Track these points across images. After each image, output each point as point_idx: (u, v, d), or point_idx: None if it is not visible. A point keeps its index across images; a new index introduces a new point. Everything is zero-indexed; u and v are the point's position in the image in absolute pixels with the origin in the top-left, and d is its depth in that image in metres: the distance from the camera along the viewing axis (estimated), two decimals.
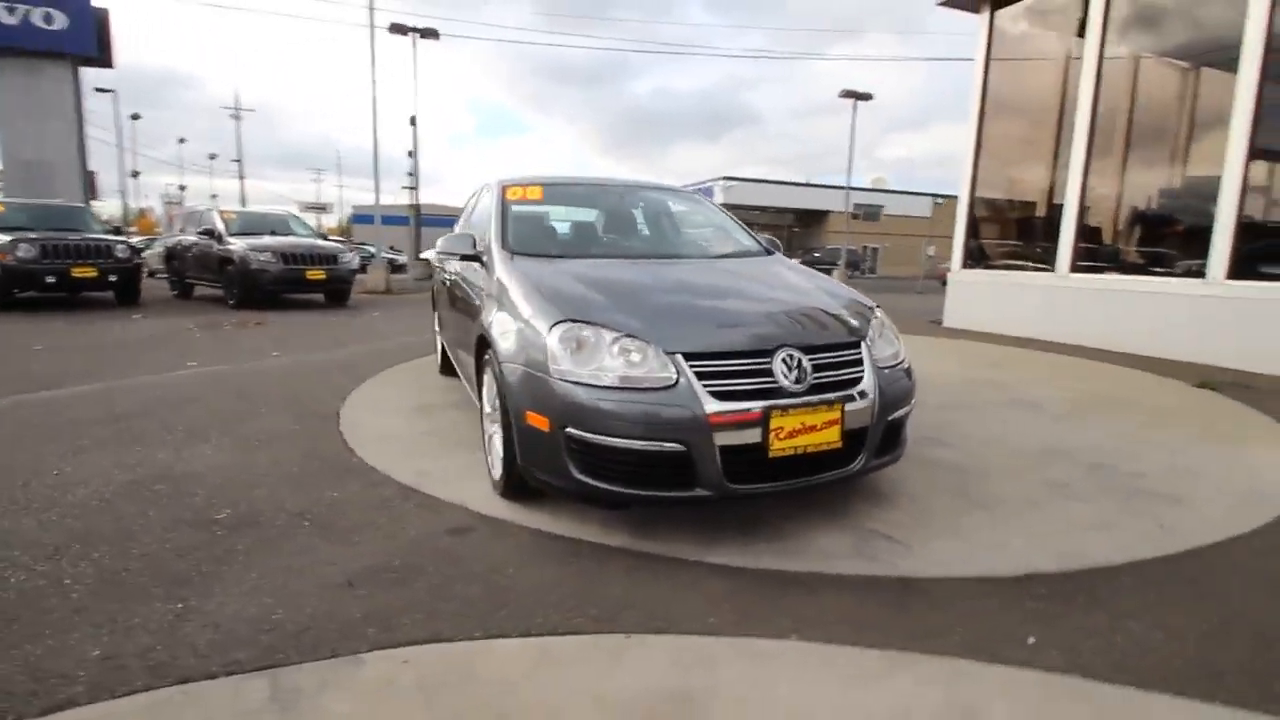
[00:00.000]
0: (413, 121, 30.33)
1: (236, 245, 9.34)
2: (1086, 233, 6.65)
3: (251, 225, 10.27)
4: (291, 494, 2.62)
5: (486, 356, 2.65)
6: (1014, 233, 7.74)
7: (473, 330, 2.91)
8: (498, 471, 2.56)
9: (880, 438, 2.32)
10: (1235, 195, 5.25)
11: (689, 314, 2.35)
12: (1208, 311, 5.43)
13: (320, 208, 49.07)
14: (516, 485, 2.44)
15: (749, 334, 2.23)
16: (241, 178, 43.77)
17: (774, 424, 2.04)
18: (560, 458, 2.10)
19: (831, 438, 2.15)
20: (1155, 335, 5.77)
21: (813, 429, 2.11)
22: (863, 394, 2.25)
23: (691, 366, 2.06)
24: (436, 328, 4.94)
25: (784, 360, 2.15)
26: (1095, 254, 6.62)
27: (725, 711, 1.42)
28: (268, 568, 2.03)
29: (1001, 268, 7.68)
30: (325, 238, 11.03)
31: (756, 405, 2.05)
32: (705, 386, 2.04)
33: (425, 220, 21.76)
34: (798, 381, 2.13)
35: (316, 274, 9.52)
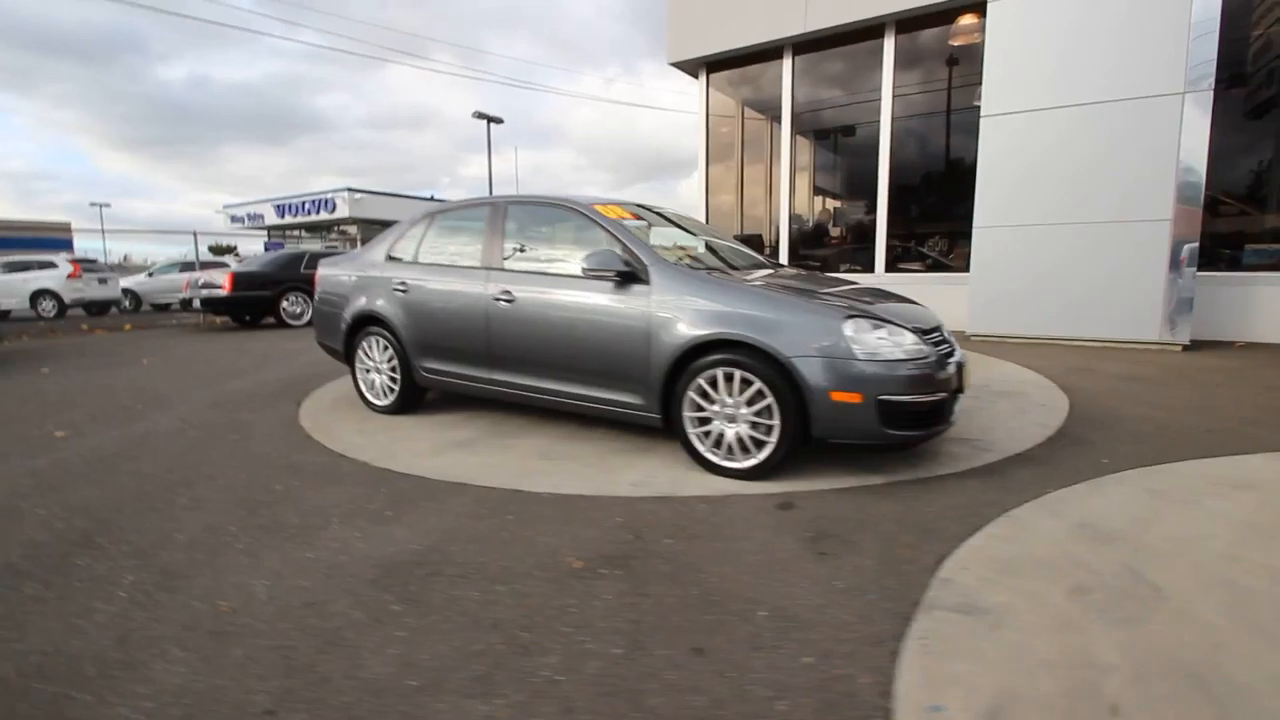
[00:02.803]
0: None
1: None
2: (799, 246, 9.33)
3: None
4: (578, 531, 2.43)
5: (699, 362, 2.93)
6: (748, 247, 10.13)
7: (656, 342, 3.04)
8: (749, 460, 2.88)
9: None
10: (885, 222, 8.35)
11: (880, 304, 3.14)
12: None
13: None
14: (777, 463, 2.85)
15: (926, 315, 3.18)
16: None
17: (965, 371, 3.06)
18: (872, 420, 2.69)
19: (969, 378, 3.28)
20: None
21: (964, 373, 3.20)
22: None
23: (926, 340, 2.91)
24: (382, 364, 4.22)
25: (942, 330, 3.18)
26: (805, 259, 9.36)
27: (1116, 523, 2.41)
28: (740, 570, 2.10)
29: None
30: None
31: (954, 361, 3.03)
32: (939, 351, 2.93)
33: None
34: (953, 344, 3.19)
35: None
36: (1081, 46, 6.20)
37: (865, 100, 8.29)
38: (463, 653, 1.68)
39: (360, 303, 4.27)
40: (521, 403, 3.75)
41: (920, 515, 2.52)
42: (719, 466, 2.98)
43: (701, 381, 2.96)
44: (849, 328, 2.74)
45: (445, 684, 1.55)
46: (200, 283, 10.77)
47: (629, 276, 3.17)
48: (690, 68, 9.46)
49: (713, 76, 9.43)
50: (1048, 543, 2.28)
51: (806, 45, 8.51)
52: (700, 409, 3.00)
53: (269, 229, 37.76)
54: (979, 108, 6.99)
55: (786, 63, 8.69)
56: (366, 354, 4.31)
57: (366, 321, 4.27)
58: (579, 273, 3.35)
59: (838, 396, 2.70)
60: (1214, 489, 2.75)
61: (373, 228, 37.96)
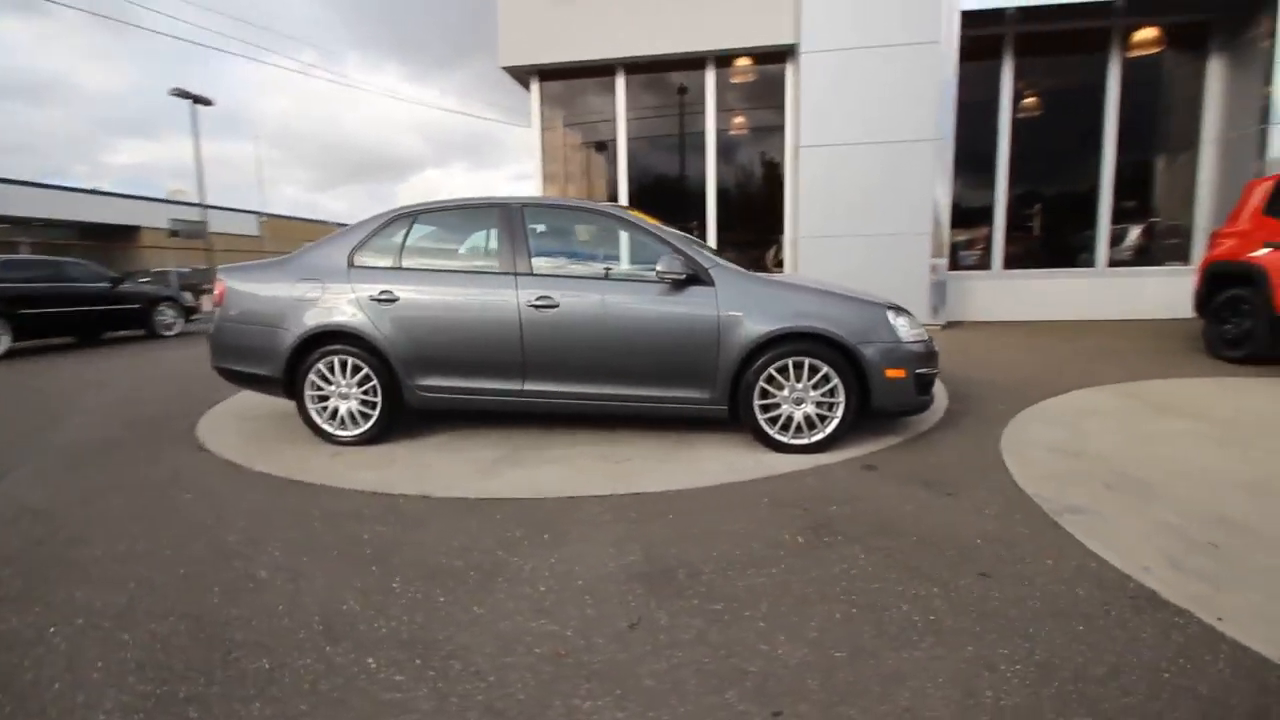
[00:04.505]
0: None
1: None
2: None
3: None
4: (749, 515, 2.61)
5: (769, 355, 3.29)
6: None
7: (727, 339, 3.31)
8: (815, 435, 3.34)
9: None
10: (714, 230, 9.45)
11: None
12: None
13: None
14: (842, 435, 3.35)
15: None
16: None
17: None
18: (911, 391, 3.35)
19: None
20: None
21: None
22: None
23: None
24: (350, 388, 3.59)
25: None
26: None
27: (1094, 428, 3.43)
28: (916, 516, 2.54)
29: None
30: None
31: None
32: None
33: None
34: None
35: None
36: (880, 96, 7.97)
37: (692, 114, 9.29)
38: (847, 628, 1.82)
39: (315, 318, 3.59)
40: (552, 412, 3.62)
41: (958, 458, 3.26)
42: (786, 444, 3.36)
43: (772, 371, 3.31)
44: (890, 316, 3.37)
45: (883, 662, 1.70)
46: None
47: (691, 279, 3.36)
48: (521, 75, 9.41)
49: (543, 85, 9.53)
50: (1048, 462, 3.18)
51: (638, 67, 9.17)
52: (766, 395, 3.35)
53: None
54: (785, 136, 8.46)
55: (620, 80, 9.24)
56: (324, 378, 3.63)
57: (325, 339, 3.60)
58: (630, 276, 3.42)
59: (890, 374, 3.31)
60: (1080, 416, 4.02)
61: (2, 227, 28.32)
